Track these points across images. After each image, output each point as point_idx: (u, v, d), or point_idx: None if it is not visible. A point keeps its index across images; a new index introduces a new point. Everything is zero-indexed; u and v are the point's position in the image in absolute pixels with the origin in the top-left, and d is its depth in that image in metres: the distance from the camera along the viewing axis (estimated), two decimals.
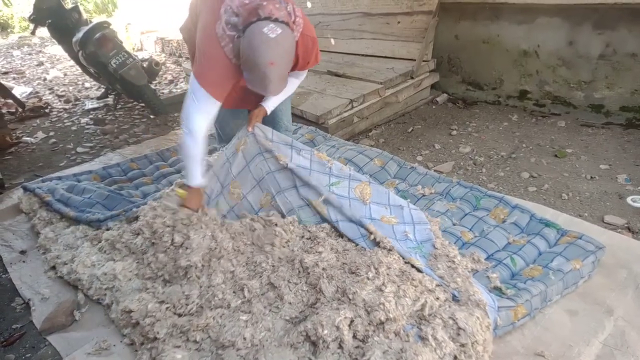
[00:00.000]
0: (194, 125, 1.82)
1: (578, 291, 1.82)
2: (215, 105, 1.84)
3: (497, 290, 1.76)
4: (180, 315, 1.67)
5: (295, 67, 1.91)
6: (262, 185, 2.13)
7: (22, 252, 2.33)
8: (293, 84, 2.18)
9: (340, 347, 1.47)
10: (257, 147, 2.14)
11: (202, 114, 1.83)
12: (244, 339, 1.50)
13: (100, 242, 2.15)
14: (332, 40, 5.11)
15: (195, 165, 1.94)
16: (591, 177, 2.75)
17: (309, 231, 1.98)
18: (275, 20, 1.57)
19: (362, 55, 4.72)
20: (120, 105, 4.81)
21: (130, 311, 1.67)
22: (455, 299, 1.62)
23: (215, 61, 1.75)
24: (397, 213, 2.01)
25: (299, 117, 3.66)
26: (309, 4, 5.29)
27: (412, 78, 4.02)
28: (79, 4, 5.21)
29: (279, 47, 1.58)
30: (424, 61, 4.12)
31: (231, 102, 2.11)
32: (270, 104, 2.19)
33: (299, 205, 2.07)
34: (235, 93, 2.02)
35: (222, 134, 2.45)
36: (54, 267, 2.13)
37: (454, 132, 3.58)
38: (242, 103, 2.22)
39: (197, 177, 1.97)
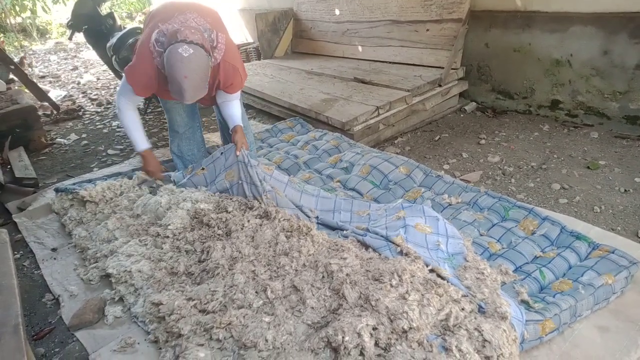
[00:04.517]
0: (119, 103, 2.41)
1: (610, 307, 1.75)
2: (136, 95, 2.33)
3: (525, 304, 1.72)
4: (204, 312, 1.69)
5: (219, 85, 2.35)
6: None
7: (54, 250, 2.40)
8: (234, 105, 2.53)
9: (362, 354, 1.44)
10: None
11: (125, 97, 2.37)
12: (266, 340, 1.50)
13: (141, 236, 2.23)
14: (360, 48, 5.12)
15: (134, 134, 2.48)
16: (625, 190, 2.66)
17: (335, 244, 1.98)
18: (190, 42, 1.99)
19: (390, 62, 4.72)
20: (150, 110, 4.93)
21: (160, 303, 1.71)
22: (481, 310, 1.58)
23: (144, 67, 2.21)
24: (432, 223, 2.00)
25: (324, 124, 3.67)
26: (337, 11, 5.32)
27: (440, 86, 3.99)
28: (113, 11, 5.37)
29: (191, 64, 1.97)
30: (452, 69, 4.08)
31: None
32: (237, 119, 2.51)
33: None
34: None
35: (171, 122, 2.78)
36: (96, 261, 2.17)
37: (483, 141, 3.52)
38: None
39: (139, 143, 2.50)
